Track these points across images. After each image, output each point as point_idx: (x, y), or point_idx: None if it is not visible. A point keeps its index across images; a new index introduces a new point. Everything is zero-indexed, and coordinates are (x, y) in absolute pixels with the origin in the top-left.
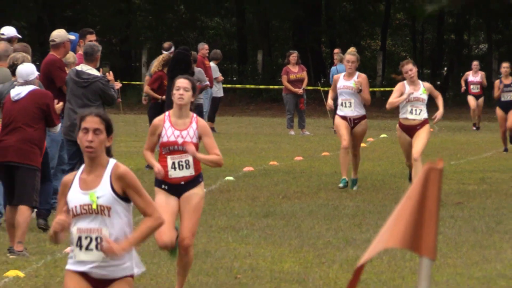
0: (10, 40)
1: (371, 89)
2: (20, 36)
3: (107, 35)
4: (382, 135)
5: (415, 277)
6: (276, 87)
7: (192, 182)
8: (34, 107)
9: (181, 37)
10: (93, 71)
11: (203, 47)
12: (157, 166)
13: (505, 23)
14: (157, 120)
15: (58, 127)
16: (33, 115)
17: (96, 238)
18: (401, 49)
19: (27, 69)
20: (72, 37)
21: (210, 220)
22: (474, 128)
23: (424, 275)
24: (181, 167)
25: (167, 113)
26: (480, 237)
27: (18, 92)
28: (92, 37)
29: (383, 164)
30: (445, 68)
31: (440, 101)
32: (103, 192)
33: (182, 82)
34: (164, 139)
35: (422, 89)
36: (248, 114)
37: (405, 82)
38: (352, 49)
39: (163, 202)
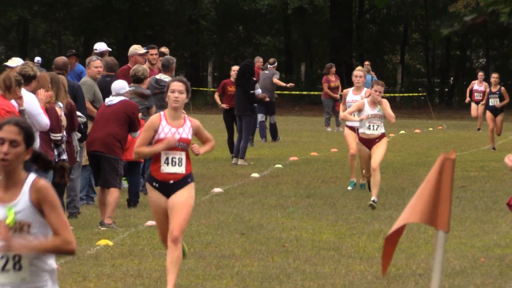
0: (102, 54)
1: (392, 95)
2: (110, 50)
3: (180, 50)
4: (401, 131)
5: (428, 246)
6: (316, 92)
7: (181, 182)
8: (122, 112)
9: (239, 52)
10: (169, 79)
11: (258, 60)
12: (166, 139)
13: (500, 42)
14: (153, 117)
15: (137, 133)
16: (120, 118)
17: (14, 257)
18: (416, 63)
19: (119, 85)
20: (142, 50)
21: (263, 200)
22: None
23: (440, 245)
24: (173, 163)
25: (162, 112)
26: (480, 214)
27: (111, 99)
28: (154, 51)
29: (402, 154)
30: (452, 78)
31: (388, 115)
32: (22, 206)
33: (177, 85)
34: (162, 135)
35: (379, 107)
36: (293, 114)
37: (365, 100)
38: (359, 67)
39: (156, 203)
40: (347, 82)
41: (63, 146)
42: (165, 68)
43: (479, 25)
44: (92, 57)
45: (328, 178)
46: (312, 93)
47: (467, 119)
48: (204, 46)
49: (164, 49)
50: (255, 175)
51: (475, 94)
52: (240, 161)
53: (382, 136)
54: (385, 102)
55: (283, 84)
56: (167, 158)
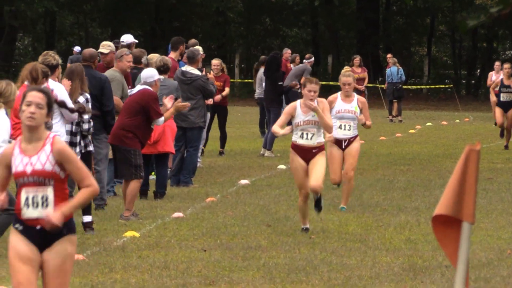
0: (129, 46)
1: (419, 87)
2: (137, 41)
3: (207, 42)
4: (428, 123)
5: None
6: None
7: (54, 233)
8: (134, 103)
9: (266, 44)
10: (195, 71)
11: (286, 52)
12: None
13: None
14: (6, 148)
15: (160, 120)
16: (132, 108)
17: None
18: (443, 55)
19: (147, 73)
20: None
21: (290, 191)
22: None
23: (465, 236)
24: (35, 204)
25: (19, 137)
26: (507, 205)
27: (133, 89)
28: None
29: (429, 146)
30: (478, 70)
31: (323, 124)
32: None
33: (34, 96)
34: (13, 169)
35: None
36: None
37: (297, 103)
38: (347, 69)
39: (16, 248)
40: (373, 73)
41: (90, 137)
42: (191, 60)
43: (505, 17)
44: (125, 51)
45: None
46: (339, 84)
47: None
48: (231, 38)
49: (192, 41)
50: (282, 166)
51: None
52: (267, 153)
53: (320, 147)
54: (323, 106)
55: None
56: (26, 198)
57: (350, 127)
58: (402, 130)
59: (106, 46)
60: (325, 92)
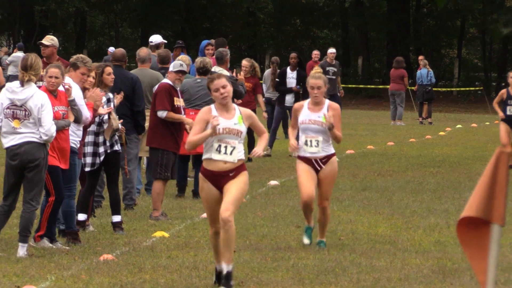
0: (158, 46)
1: (449, 89)
2: (166, 42)
3: (238, 43)
4: (458, 126)
5: None
6: (372, 86)
7: None
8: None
9: (296, 45)
10: (224, 72)
11: (313, 53)
12: None
13: None
14: None
15: (159, 113)
16: (152, 106)
17: None
18: (473, 57)
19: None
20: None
21: None
22: None
23: (495, 239)
24: None
25: None
26: None
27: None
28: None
29: (459, 148)
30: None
31: (262, 138)
32: None
33: None
34: None
35: (238, 117)
36: (350, 107)
37: (212, 106)
38: (317, 70)
39: None
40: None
41: (116, 136)
42: (219, 61)
43: None
44: (146, 49)
45: (384, 171)
46: (369, 86)
47: None
48: (261, 38)
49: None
50: None
51: None
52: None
53: (240, 167)
54: (250, 117)
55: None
56: None
57: (318, 143)
58: (432, 132)
59: (49, 40)
60: (355, 94)
